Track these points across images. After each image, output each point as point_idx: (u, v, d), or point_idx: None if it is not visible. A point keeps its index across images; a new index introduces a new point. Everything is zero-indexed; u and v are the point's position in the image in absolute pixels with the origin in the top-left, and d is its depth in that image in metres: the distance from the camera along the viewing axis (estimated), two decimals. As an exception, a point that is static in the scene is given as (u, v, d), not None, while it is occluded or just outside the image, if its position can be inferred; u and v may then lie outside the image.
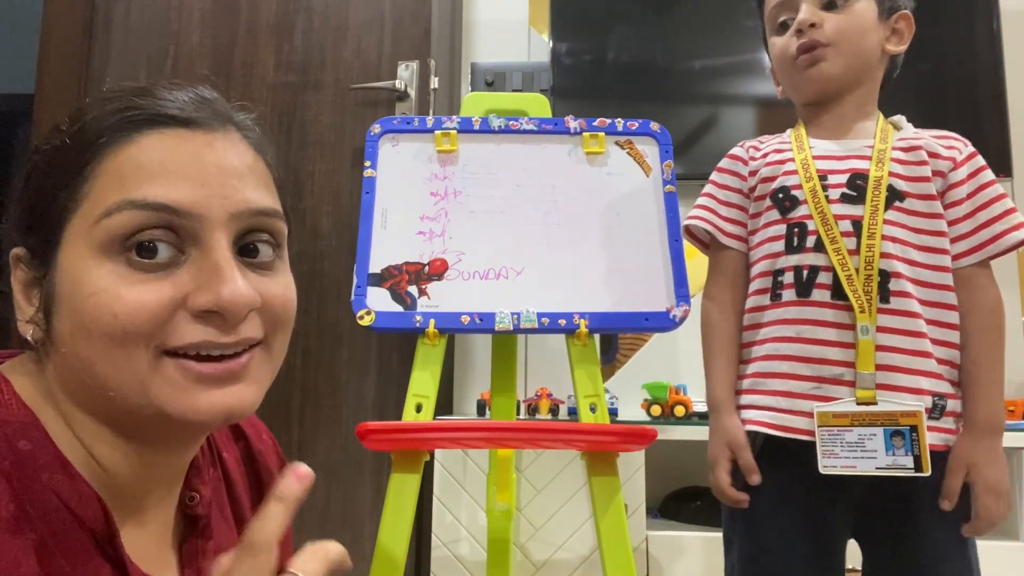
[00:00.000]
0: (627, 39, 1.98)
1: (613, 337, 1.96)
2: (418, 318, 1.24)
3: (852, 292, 0.94)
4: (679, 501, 1.63)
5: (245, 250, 0.55)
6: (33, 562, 0.47)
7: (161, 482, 0.59)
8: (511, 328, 1.24)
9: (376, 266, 1.28)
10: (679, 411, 1.62)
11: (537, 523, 1.53)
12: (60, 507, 0.50)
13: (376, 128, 1.38)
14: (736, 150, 1.12)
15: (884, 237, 0.95)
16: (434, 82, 1.84)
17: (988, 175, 1.00)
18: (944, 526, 0.94)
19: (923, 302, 0.95)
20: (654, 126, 1.40)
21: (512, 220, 1.33)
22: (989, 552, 1.40)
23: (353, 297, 1.25)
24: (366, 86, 1.88)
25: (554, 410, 1.71)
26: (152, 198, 0.50)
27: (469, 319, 1.25)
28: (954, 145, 1.01)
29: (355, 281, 1.26)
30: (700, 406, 1.60)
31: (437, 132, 1.37)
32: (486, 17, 2.11)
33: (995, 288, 0.98)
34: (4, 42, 2.80)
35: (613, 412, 1.55)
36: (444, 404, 1.84)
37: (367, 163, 1.35)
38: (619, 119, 1.40)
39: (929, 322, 0.95)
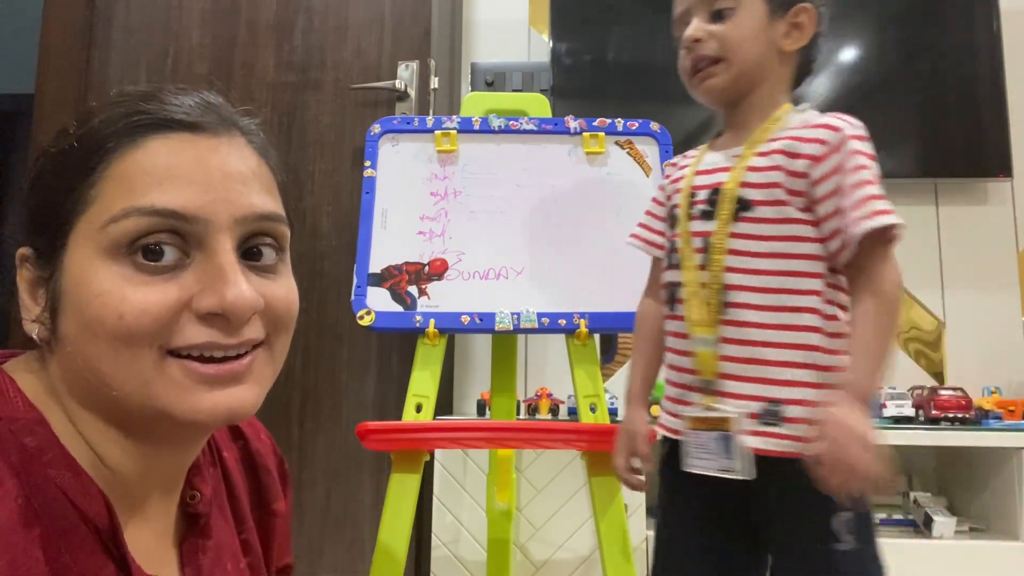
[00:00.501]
0: (627, 39, 1.98)
1: (613, 337, 1.97)
2: (418, 318, 1.24)
3: (695, 306, 0.97)
4: (679, 501, 1.63)
5: (248, 254, 0.56)
6: (40, 555, 0.48)
7: (163, 480, 0.59)
8: (511, 328, 1.24)
9: (376, 266, 1.28)
10: (679, 411, 1.62)
11: (537, 523, 1.53)
12: (65, 503, 0.50)
13: (376, 128, 1.38)
14: (665, 167, 1.16)
15: (729, 251, 0.95)
16: (434, 82, 1.84)
17: (855, 161, 0.91)
18: (801, 544, 0.91)
19: (765, 308, 0.93)
20: (654, 126, 1.40)
21: (512, 220, 1.34)
22: (989, 552, 1.41)
23: (353, 297, 1.25)
24: (366, 86, 1.88)
25: (554, 410, 1.71)
26: (159, 204, 0.51)
27: (469, 319, 1.25)
28: (819, 136, 0.93)
29: (355, 281, 1.26)
30: (700, 406, 1.60)
31: (437, 132, 1.37)
32: (486, 17, 2.11)
33: (879, 277, 0.90)
34: (4, 42, 2.80)
35: (613, 412, 1.55)
36: (444, 404, 1.84)
37: (367, 163, 1.35)
38: (619, 119, 1.40)
39: (770, 327, 0.93)
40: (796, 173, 0.93)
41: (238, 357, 0.54)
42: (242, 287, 0.52)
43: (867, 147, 0.93)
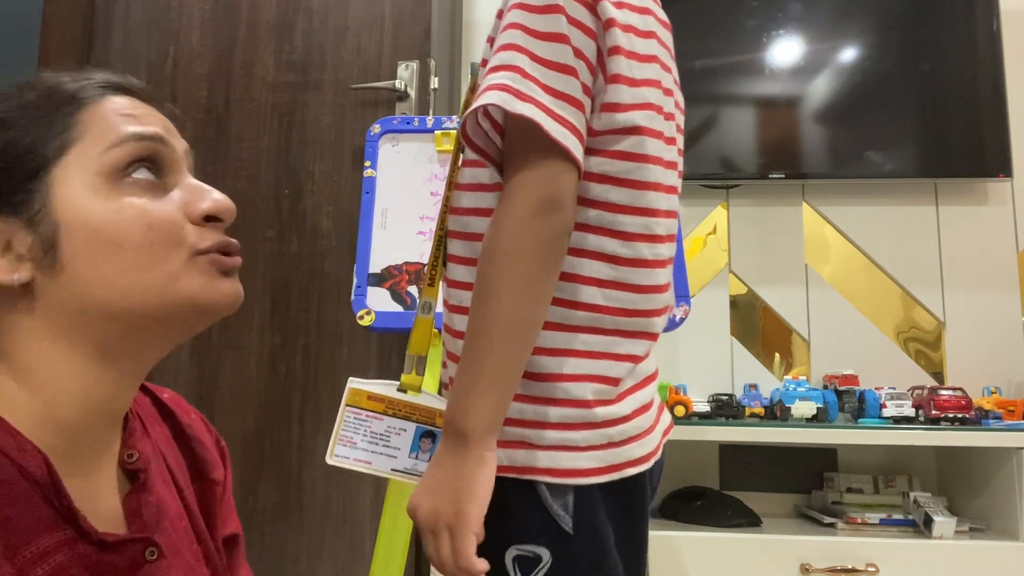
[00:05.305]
0: (627, 39, 1.97)
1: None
2: (418, 318, 1.24)
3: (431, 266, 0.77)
4: (679, 501, 1.63)
5: None
6: None
7: (106, 423, 0.60)
8: (511, 328, 1.24)
9: (376, 266, 1.28)
10: (679, 411, 1.62)
11: (537, 523, 1.53)
12: (3, 459, 0.52)
13: (376, 128, 1.38)
14: None
15: (457, 186, 0.74)
16: (434, 82, 1.84)
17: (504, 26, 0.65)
18: None
19: (459, 260, 0.71)
20: (654, 126, 1.40)
21: (512, 220, 1.34)
22: (989, 552, 1.41)
23: (353, 297, 1.25)
24: (366, 86, 1.88)
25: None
26: (144, 131, 0.59)
27: (469, 319, 1.25)
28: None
29: (355, 281, 1.26)
30: (700, 406, 1.60)
31: (437, 132, 1.37)
32: (486, 17, 2.11)
33: (496, 212, 0.61)
34: (4, 42, 2.80)
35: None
36: (444, 404, 1.83)
37: (367, 163, 1.35)
38: (619, 119, 1.40)
39: (465, 286, 0.69)
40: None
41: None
42: (223, 195, 0.61)
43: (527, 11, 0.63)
